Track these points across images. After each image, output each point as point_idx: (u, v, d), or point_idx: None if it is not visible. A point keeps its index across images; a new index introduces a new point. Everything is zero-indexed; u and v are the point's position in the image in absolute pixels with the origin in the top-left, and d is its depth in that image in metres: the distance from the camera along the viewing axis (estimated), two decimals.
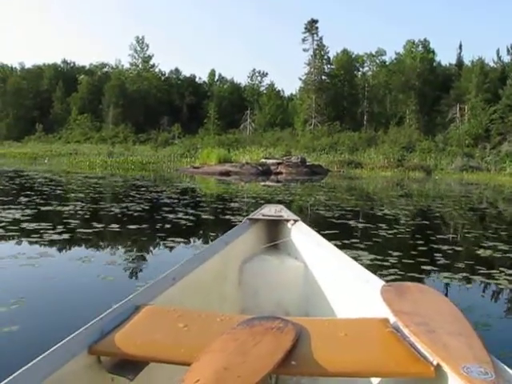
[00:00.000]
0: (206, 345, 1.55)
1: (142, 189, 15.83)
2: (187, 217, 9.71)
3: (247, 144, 48.82)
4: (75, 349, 1.60)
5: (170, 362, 1.64)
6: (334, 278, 2.90)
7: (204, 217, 10.28)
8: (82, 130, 67.17)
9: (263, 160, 33.56)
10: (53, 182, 18.47)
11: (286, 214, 4.01)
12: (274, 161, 32.95)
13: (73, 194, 13.79)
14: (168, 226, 8.61)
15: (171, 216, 9.67)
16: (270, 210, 4.14)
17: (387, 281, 2.31)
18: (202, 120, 68.38)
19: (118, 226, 8.33)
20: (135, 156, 41.02)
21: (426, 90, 60.50)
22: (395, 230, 8.93)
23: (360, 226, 9.63)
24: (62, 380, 1.50)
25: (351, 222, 9.85)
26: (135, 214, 9.98)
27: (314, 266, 3.28)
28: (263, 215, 3.93)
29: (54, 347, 1.55)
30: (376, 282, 2.27)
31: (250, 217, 3.88)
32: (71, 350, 1.59)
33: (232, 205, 11.93)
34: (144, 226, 8.57)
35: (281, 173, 30.98)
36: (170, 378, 1.77)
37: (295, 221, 3.77)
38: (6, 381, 1.35)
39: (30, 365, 1.44)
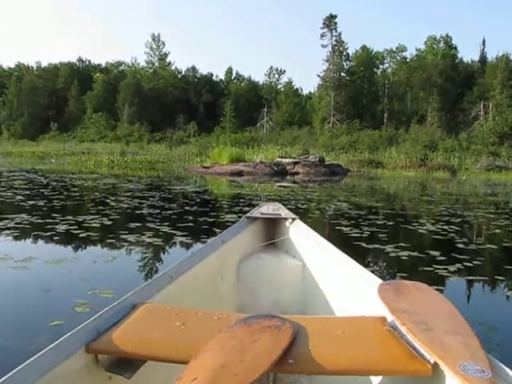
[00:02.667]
0: (204, 343, 1.54)
1: (127, 194, 13.54)
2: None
3: (264, 142, 46.63)
4: (72, 347, 1.58)
5: (167, 361, 1.62)
6: (331, 277, 2.87)
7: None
8: (96, 129, 65.40)
9: (278, 159, 31.06)
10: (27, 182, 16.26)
11: (283, 212, 3.95)
12: (291, 160, 30.42)
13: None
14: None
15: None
16: (268, 208, 4.10)
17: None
18: (218, 118, 66.34)
19: None
20: (149, 155, 39.09)
21: (447, 87, 57.97)
22: (460, 265, 6.05)
23: (403, 255, 6.58)
24: (58, 378, 1.48)
25: (388, 249, 6.92)
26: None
27: (311, 264, 3.26)
28: (261, 213, 3.87)
29: (51, 345, 1.52)
30: (374, 281, 2.22)
31: (247, 215, 3.81)
32: (68, 348, 1.56)
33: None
34: None
35: (297, 173, 28.64)
36: (167, 377, 1.69)
37: (293, 219, 3.74)
38: (2, 379, 1.34)
39: (26, 363, 1.42)
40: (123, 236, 7.19)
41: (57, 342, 1.55)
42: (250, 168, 27.57)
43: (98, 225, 8.19)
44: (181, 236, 7.31)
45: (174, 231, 7.70)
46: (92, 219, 8.68)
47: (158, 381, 1.89)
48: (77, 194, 13.36)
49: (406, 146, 43.14)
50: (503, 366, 1.42)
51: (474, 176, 32.10)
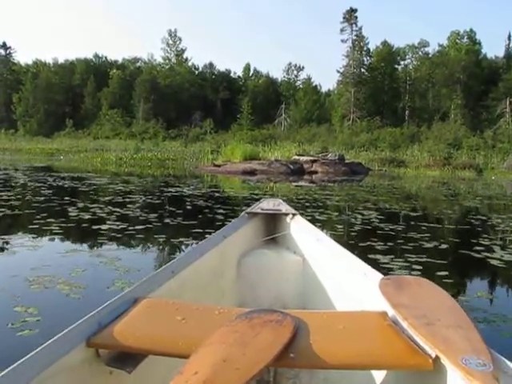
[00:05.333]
0: (205, 337, 1.51)
1: (103, 199, 11.19)
2: None
3: (281, 140, 43.84)
4: (73, 341, 1.55)
5: (168, 355, 1.59)
6: (332, 272, 2.81)
7: None
8: (111, 126, 63.02)
9: (295, 157, 28.20)
10: None
11: (284, 207, 3.86)
12: (308, 158, 27.60)
13: None
14: None
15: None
16: (269, 204, 4.00)
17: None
18: (235, 115, 63.65)
19: None
20: (161, 153, 36.72)
21: (471, 83, 54.74)
22: None
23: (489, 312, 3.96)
24: (59, 372, 1.46)
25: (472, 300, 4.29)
26: None
27: (312, 259, 3.21)
28: (261, 209, 3.80)
29: (51, 340, 1.49)
30: (374, 276, 2.19)
31: (248, 210, 3.71)
32: (69, 342, 1.53)
33: None
34: None
35: (316, 172, 25.95)
36: (168, 371, 1.60)
37: (293, 215, 3.66)
38: (3, 373, 1.32)
39: (26, 357, 1.39)
40: None
41: (57, 337, 1.51)
42: (264, 166, 24.91)
43: None
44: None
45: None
46: None
47: (159, 375, 1.80)
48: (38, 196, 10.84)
49: (428, 144, 40.65)
50: (504, 359, 1.38)
51: (502, 176, 29.18)
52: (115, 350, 1.63)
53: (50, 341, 1.48)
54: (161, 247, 6.29)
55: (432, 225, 8.94)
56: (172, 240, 6.65)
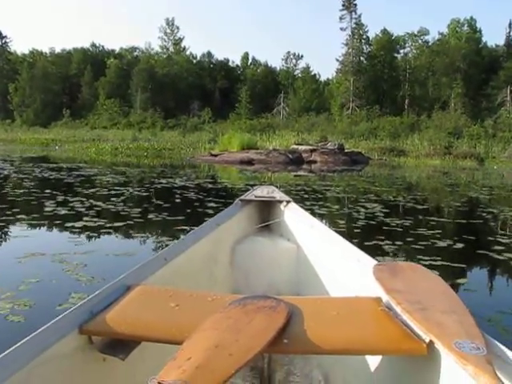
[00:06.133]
0: (198, 324, 1.48)
1: (86, 191, 10.20)
2: None
3: (280, 129, 42.97)
4: (65, 328, 1.52)
5: (161, 341, 1.56)
6: (326, 258, 2.75)
7: None
8: (109, 116, 61.61)
9: (294, 146, 27.32)
10: None
11: (278, 195, 3.81)
12: (308, 147, 26.69)
13: None
14: None
15: None
16: (263, 191, 3.96)
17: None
18: (234, 105, 62.73)
19: None
20: (158, 142, 35.99)
21: (471, 72, 53.78)
22: None
23: None
24: (52, 359, 1.43)
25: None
26: None
27: (306, 246, 3.16)
28: (255, 196, 3.74)
29: (44, 327, 1.45)
30: (368, 262, 2.15)
31: (241, 198, 3.66)
32: (61, 329, 1.50)
33: None
34: None
35: (315, 161, 25.16)
36: (161, 357, 1.51)
37: (287, 202, 3.61)
38: None
39: (19, 344, 1.36)
40: None
41: (50, 324, 1.48)
42: (262, 156, 24.05)
43: None
44: None
45: None
46: None
47: (152, 362, 1.70)
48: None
49: (429, 133, 39.68)
50: (498, 343, 1.38)
51: (504, 165, 28.38)
52: (108, 337, 1.59)
53: (41, 328, 1.43)
54: (137, 250, 5.42)
55: (442, 219, 8.13)
56: (152, 240, 5.86)
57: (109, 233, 6.10)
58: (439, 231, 6.80)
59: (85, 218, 6.91)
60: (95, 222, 6.70)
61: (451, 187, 15.04)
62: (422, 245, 5.89)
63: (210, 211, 7.77)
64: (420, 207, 9.69)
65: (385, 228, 6.97)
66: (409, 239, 6.20)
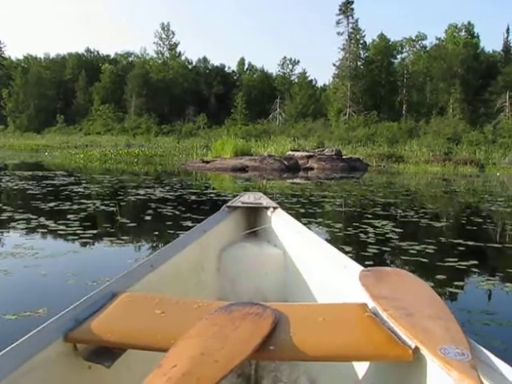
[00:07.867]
0: (184, 331, 1.46)
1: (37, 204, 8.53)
2: None
3: (276, 135, 42.05)
4: (50, 336, 1.48)
5: (147, 349, 1.52)
6: (312, 265, 2.72)
7: None
8: (103, 121, 60.67)
9: (290, 152, 26.00)
10: None
11: (265, 201, 3.74)
12: (304, 153, 25.35)
13: None
14: None
15: None
16: (250, 198, 3.89)
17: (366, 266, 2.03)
18: (230, 110, 61.60)
19: None
20: (151, 149, 35.11)
21: (469, 77, 52.68)
22: None
23: None
24: (36, 367, 1.39)
25: None
26: None
27: (293, 252, 3.09)
28: (242, 202, 3.67)
29: (28, 335, 1.41)
30: (354, 268, 2.12)
31: (228, 204, 3.58)
32: (46, 337, 1.47)
33: None
34: None
35: (311, 168, 23.93)
36: (147, 365, 1.52)
37: (274, 208, 3.55)
38: None
39: (2, 352, 1.32)
40: None
41: (34, 331, 1.45)
42: (257, 162, 22.63)
43: None
44: None
45: None
46: None
47: (137, 369, 1.70)
48: None
49: (427, 138, 39.22)
50: (483, 348, 1.37)
51: (505, 172, 27.23)
52: (94, 344, 1.56)
53: (26, 336, 1.40)
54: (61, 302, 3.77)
55: (470, 243, 6.45)
56: (85, 283, 4.20)
57: (34, 273, 4.43)
58: (475, 262, 5.16)
59: (16, 243, 5.27)
60: (25, 247, 5.06)
61: (462, 197, 13.47)
62: (459, 286, 4.29)
63: (183, 232, 6.11)
64: (438, 225, 8.05)
65: (403, 257, 5.34)
66: (439, 276, 4.55)
